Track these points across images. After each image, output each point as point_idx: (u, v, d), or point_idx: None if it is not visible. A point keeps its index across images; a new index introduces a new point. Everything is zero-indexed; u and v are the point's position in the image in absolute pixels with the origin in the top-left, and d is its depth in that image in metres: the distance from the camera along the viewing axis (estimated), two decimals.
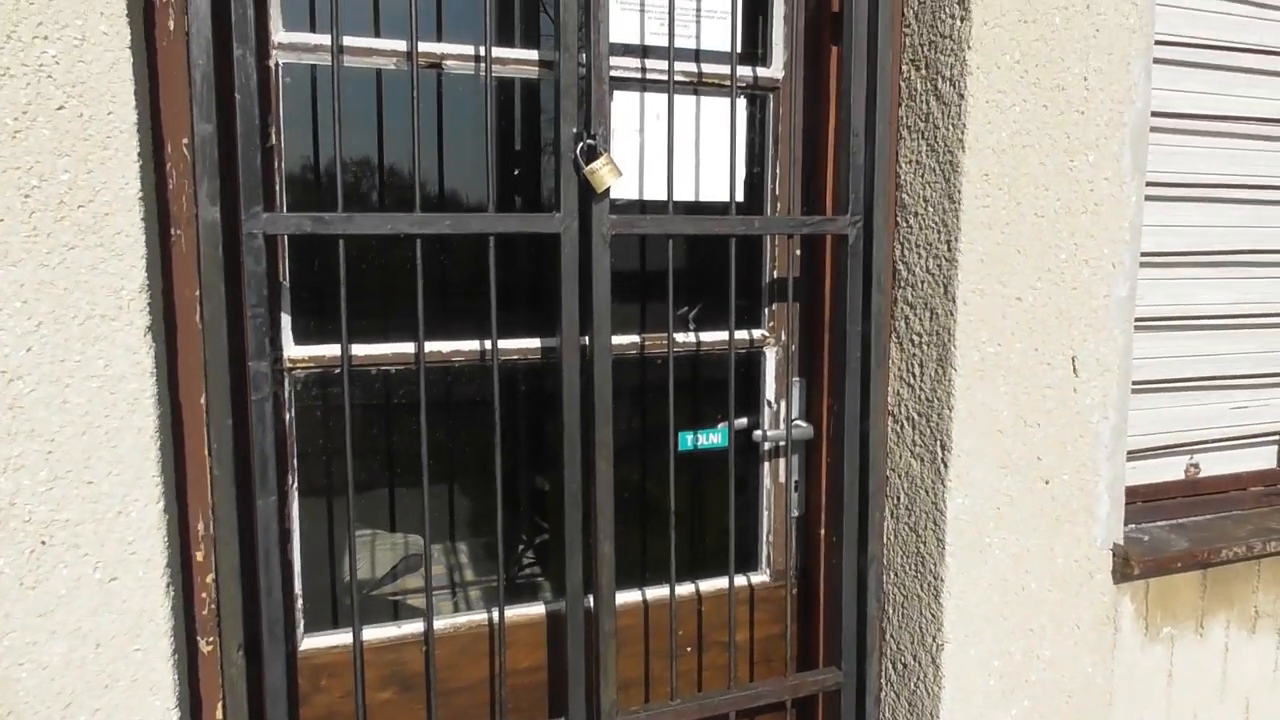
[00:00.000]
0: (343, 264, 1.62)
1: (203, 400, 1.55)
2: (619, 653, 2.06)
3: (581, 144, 1.72)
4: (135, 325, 1.34)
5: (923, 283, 1.99)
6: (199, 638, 1.60)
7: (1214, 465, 2.41)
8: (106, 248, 1.31)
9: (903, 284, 2.05)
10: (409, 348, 1.80)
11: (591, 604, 1.87)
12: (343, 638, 1.82)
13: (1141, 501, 2.29)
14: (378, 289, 1.93)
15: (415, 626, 1.89)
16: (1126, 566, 2.08)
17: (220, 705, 1.61)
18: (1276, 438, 2.47)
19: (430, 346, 1.87)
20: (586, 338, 1.80)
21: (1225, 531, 2.24)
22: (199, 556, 1.59)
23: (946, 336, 1.94)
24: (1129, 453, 2.15)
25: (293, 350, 1.77)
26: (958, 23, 1.88)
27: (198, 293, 1.52)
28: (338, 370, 1.82)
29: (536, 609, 2.01)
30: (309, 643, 1.82)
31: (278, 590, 1.58)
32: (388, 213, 1.62)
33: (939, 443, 1.96)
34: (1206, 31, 2.28)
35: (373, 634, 1.88)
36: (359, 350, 1.82)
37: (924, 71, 1.97)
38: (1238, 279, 2.38)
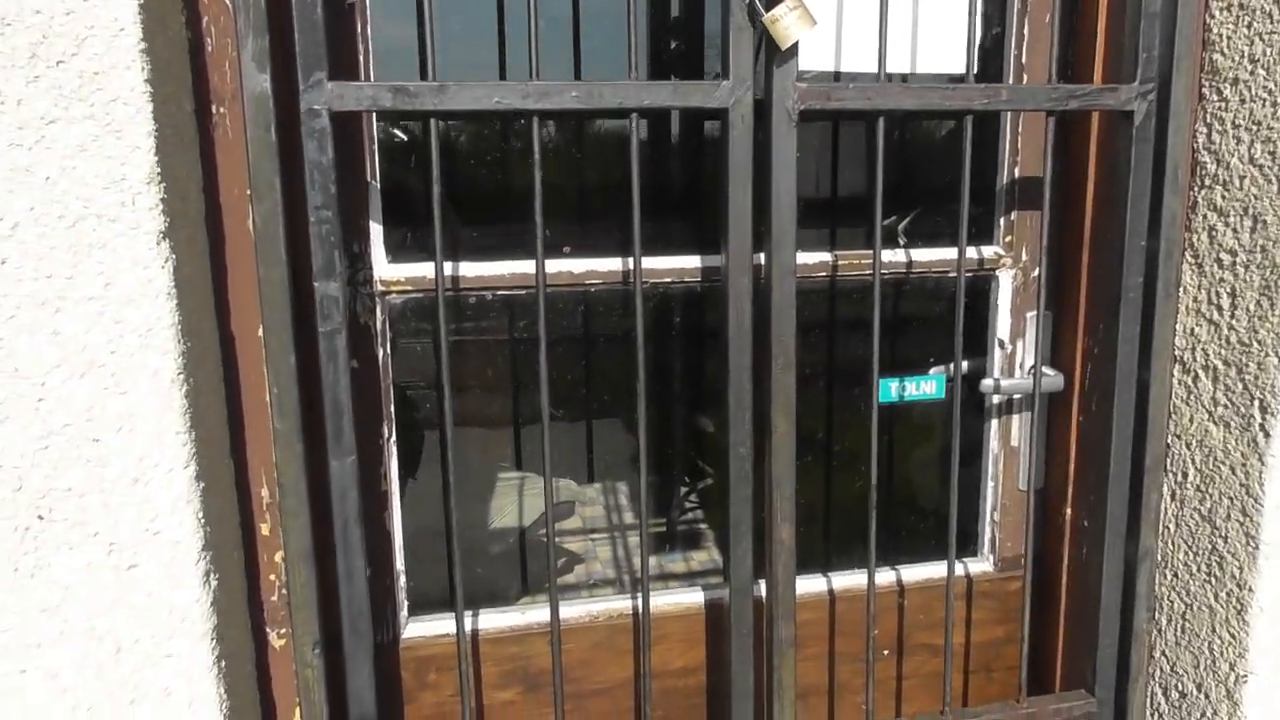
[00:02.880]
0: (435, 153, 1.22)
1: (259, 333, 1.20)
2: (798, 654, 1.63)
3: None
4: (143, 230, 0.98)
5: (1241, 179, 1.40)
6: (269, 630, 1.29)
7: None
8: (98, 120, 0.95)
9: (1208, 181, 1.46)
10: (532, 267, 1.39)
11: (764, 600, 1.44)
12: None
13: None
14: (499, 193, 1.53)
15: (542, 614, 1.52)
16: None
17: (297, 711, 1.29)
18: None
19: (560, 266, 1.46)
20: (762, 254, 1.33)
21: None
22: (264, 530, 1.27)
23: (1278, 254, 1.35)
24: None
25: (385, 269, 1.39)
26: None
27: (249, 191, 1.16)
28: (449, 293, 1.44)
29: (693, 596, 1.60)
30: (414, 630, 1.49)
31: (360, 574, 1.24)
32: (495, 82, 1.20)
33: (1256, 402, 1.40)
34: None
35: (492, 621, 1.52)
36: (469, 270, 1.43)
37: None
38: None
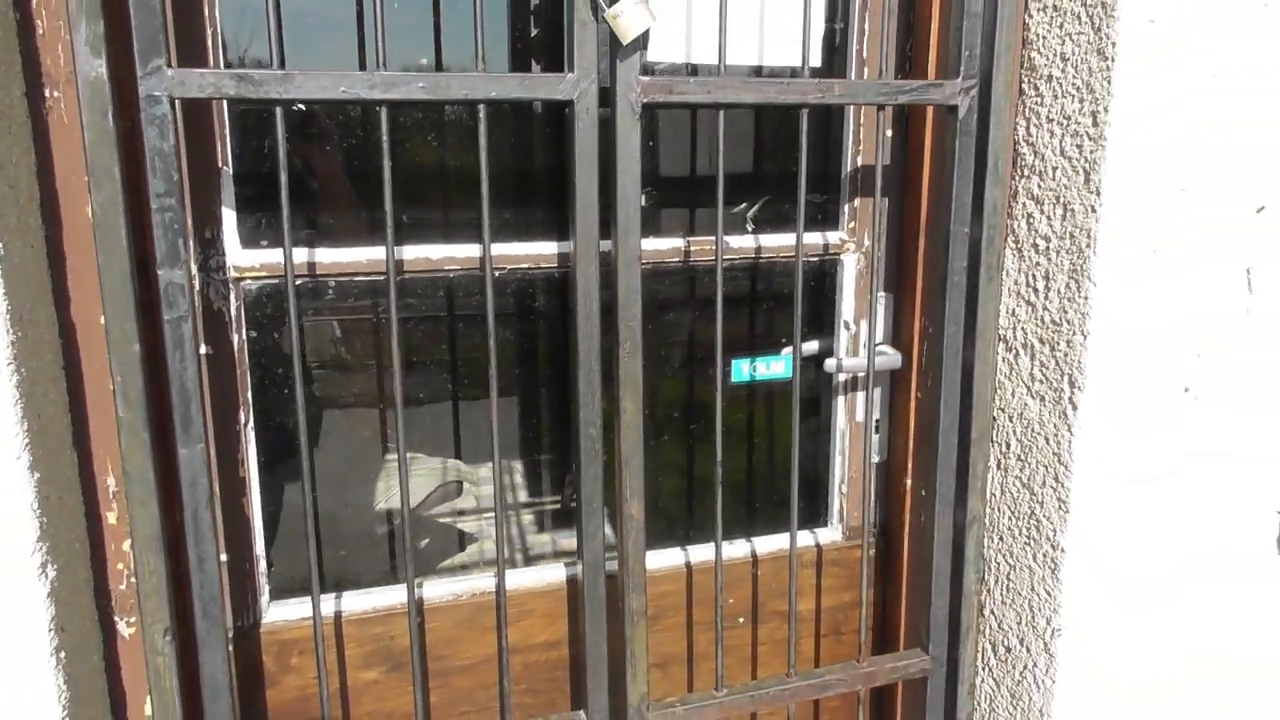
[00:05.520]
0: (282, 141, 1.22)
1: (102, 321, 1.19)
2: (657, 625, 1.70)
3: None
4: None
5: (1055, 170, 1.52)
6: (118, 619, 1.29)
7: None
8: None
9: (1027, 171, 1.58)
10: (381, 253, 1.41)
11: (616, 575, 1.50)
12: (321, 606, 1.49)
13: None
14: (363, 178, 1.54)
15: (405, 594, 1.55)
16: None
17: (148, 700, 1.30)
18: None
19: (417, 252, 1.49)
20: (610, 241, 1.38)
21: None
22: (111, 519, 1.26)
23: (1085, 240, 1.47)
24: None
25: (239, 256, 1.39)
26: None
27: (86, 178, 1.15)
28: (301, 282, 1.45)
29: (556, 573, 1.65)
30: (277, 614, 1.50)
31: (212, 560, 1.24)
32: (342, 71, 1.21)
33: (1066, 377, 1.52)
34: None
35: (356, 603, 1.55)
36: (326, 256, 1.45)
37: None
38: None
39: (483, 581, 1.61)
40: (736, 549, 1.75)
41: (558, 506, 1.78)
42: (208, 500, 1.23)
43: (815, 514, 1.83)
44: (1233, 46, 1.45)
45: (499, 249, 1.52)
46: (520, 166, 1.62)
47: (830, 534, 1.82)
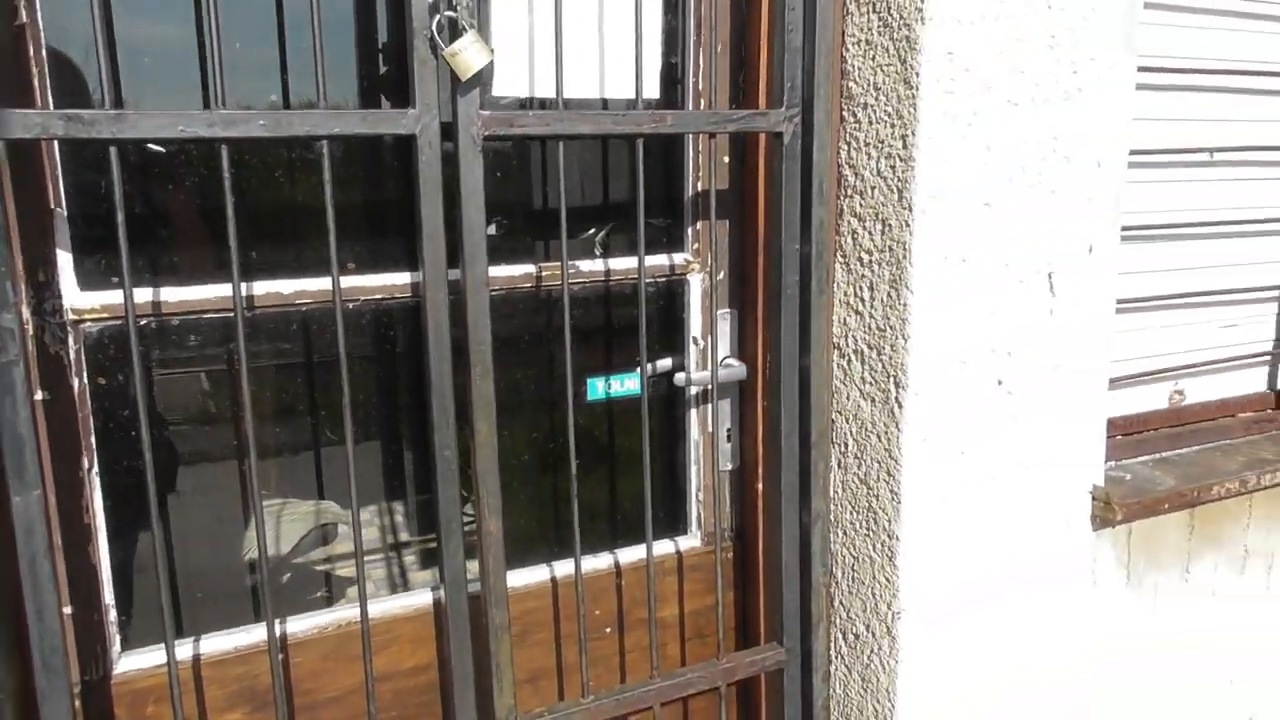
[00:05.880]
0: (118, 182, 1.22)
1: None
2: (525, 641, 1.74)
3: (439, 16, 1.33)
4: None
5: (873, 189, 1.65)
6: None
7: (1200, 391, 2.13)
8: None
9: (849, 191, 1.70)
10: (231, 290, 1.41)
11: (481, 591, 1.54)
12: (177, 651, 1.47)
13: (1121, 435, 2.01)
14: (211, 215, 1.53)
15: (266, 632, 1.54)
16: (1108, 511, 1.80)
17: None
18: (1268, 357, 2.20)
19: (268, 287, 1.49)
20: (458, 270, 1.42)
21: (1214, 465, 1.97)
22: None
23: (902, 252, 1.60)
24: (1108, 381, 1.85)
25: (78, 298, 1.37)
26: None
27: None
28: (146, 322, 1.44)
29: (421, 598, 1.67)
30: (130, 663, 1.47)
31: (52, 610, 1.22)
32: (180, 111, 1.22)
33: (892, 379, 1.65)
34: None
35: (215, 645, 1.53)
36: (171, 295, 1.44)
37: None
38: (1228, 180, 2.08)
39: (347, 612, 1.61)
40: (600, 561, 1.81)
41: (434, 543, 1.81)
42: (46, 549, 1.21)
43: (676, 522, 1.90)
44: (1020, 78, 1.61)
45: (352, 281, 1.53)
46: (371, 199, 1.65)
47: (690, 541, 1.89)
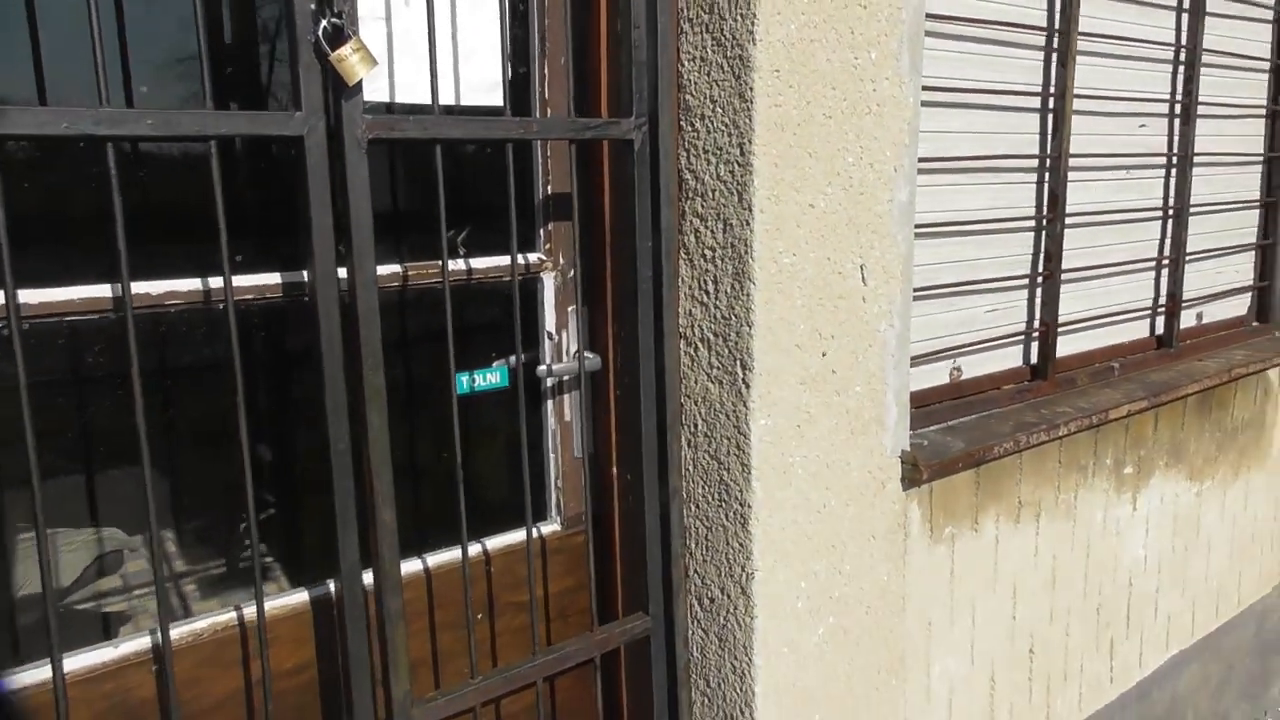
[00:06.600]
0: None
1: None
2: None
3: (324, 23, 1.37)
4: None
5: (714, 191, 1.83)
6: None
7: (973, 368, 2.48)
8: None
9: (691, 194, 1.87)
10: (104, 290, 1.38)
11: (371, 582, 1.57)
12: (33, 675, 1.41)
13: (915, 408, 2.31)
14: (71, 218, 1.47)
15: (138, 643, 1.50)
16: (915, 472, 2.08)
17: None
18: (1021, 337, 2.59)
19: (138, 288, 1.46)
20: (345, 269, 1.46)
21: (991, 430, 2.31)
22: None
23: (744, 248, 1.79)
24: None
25: None
26: None
27: None
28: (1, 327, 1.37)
29: (298, 597, 1.67)
30: None
31: None
32: (63, 107, 1.19)
33: (739, 362, 1.83)
34: None
35: (78, 662, 1.47)
36: (32, 296, 1.38)
37: None
38: (991, 184, 2.44)
39: (223, 616, 1.59)
40: (470, 549, 1.87)
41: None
42: None
43: (537, 509, 2.00)
44: (833, 94, 1.84)
45: (217, 282, 1.53)
46: (247, 198, 1.64)
47: (551, 526, 2.00)
